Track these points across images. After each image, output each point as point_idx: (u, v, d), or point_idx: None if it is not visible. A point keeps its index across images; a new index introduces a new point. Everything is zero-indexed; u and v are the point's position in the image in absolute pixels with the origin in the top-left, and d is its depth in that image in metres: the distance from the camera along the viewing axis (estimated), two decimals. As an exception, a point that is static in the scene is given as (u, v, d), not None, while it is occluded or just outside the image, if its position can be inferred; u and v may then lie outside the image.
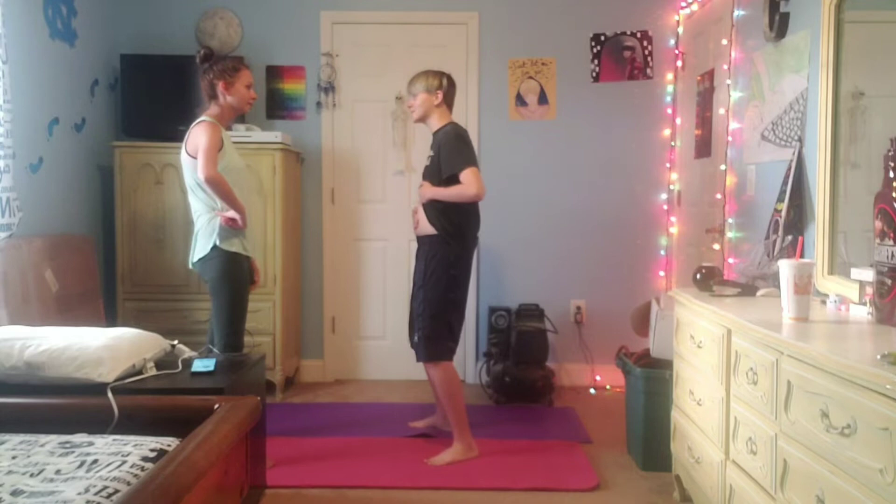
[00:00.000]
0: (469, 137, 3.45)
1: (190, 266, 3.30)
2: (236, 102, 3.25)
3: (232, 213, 3.15)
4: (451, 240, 3.37)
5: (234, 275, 3.22)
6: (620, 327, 4.21)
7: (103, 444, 1.99)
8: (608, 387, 4.58)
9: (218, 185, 3.09)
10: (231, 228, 3.18)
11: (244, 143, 4.15)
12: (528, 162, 4.68)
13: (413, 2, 4.64)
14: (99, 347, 2.39)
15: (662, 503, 2.96)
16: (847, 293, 2.38)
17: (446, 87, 3.45)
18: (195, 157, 3.09)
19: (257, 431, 2.44)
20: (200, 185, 3.14)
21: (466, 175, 3.27)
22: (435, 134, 3.47)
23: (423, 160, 4.63)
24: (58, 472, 1.81)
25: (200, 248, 3.20)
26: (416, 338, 3.45)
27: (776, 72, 3.16)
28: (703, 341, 2.60)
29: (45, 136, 3.80)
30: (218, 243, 3.17)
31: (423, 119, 3.49)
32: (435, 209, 3.37)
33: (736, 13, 3.58)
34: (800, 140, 2.91)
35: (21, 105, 3.52)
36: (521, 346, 4.30)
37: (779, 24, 3.07)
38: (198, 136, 3.11)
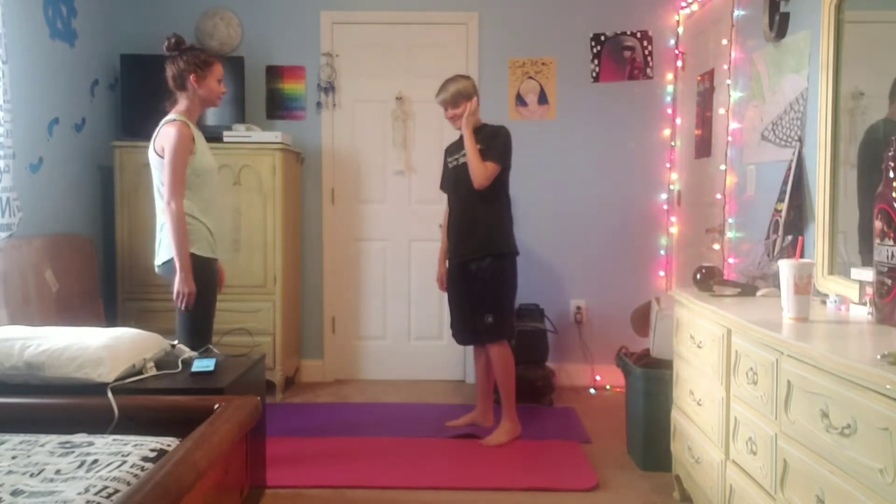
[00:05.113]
0: None
1: (156, 270, 3.08)
2: (207, 97, 3.09)
3: (178, 284, 2.91)
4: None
5: (200, 281, 2.97)
6: (620, 327, 4.21)
7: (103, 444, 1.99)
8: (608, 387, 4.58)
9: (176, 222, 2.90)
10: (198, 229, 3.00)
11: (244, 143, 4.15)
12: (527, 162, 4.66)
13: (413, 2, 4.64)
14: (99, 347, 2.39)
15: (662, 503, 2.96)
16: (847, 293, 2.39)
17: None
18: (163, 157, 2.94)
19: (257, 431, 2.44)
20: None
21: (490, 166, 3.57)
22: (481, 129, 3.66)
23: (423, 160, 4.68)
24: (58, 472, 1.81)
25: (164, 251, 3.00)
26: (488, 319, 3.59)
27: (776, 72, 3.16)
28: (703, 341, 2.60)
29: (45, 136, 3.80)
30: None
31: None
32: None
33: (736, 13, 3.57)
34: (800, 140, 2.91)
35: (21, 105, 3.52)
36: (521, 346, 4.29)
37: (779, 24, 3.07)
38: (165, 138, 2.95)
